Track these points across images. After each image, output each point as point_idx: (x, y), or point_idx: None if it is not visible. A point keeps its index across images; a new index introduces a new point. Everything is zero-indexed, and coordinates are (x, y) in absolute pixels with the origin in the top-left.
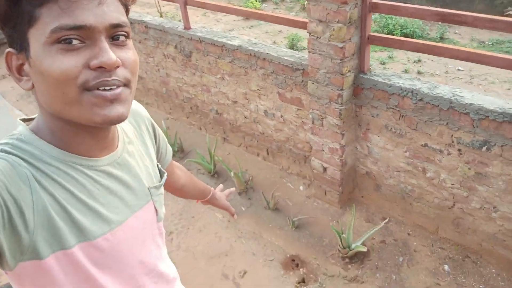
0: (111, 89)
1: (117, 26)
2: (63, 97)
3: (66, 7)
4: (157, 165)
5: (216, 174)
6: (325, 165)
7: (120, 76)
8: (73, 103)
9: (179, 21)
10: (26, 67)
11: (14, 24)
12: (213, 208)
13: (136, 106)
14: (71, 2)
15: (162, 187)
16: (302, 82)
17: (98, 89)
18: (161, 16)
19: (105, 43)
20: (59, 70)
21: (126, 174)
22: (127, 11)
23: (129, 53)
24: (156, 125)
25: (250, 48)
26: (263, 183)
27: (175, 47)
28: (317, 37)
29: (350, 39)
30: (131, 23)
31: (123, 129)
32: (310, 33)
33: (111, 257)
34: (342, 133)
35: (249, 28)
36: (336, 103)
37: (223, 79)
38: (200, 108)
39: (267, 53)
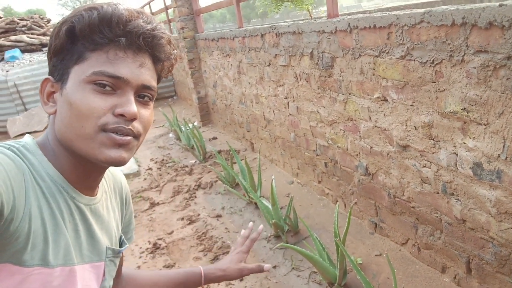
0: (123, 134)
1: (146, 87)
2: (80, 129)
3: (112, 59)
4: (121, 235)
5: None
6: None
7: (135, 127)
8: (86, 138)
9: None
10: (57, 95)
11: (63, 57)
12: None
13: (119, 174)
14: (118, 56)
15: (119, 259)
16: None
17: (112, 132)
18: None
19: (132, 97)
20: (87, 106)
21: (95, 223)
22: (158, 79)
23: (148, 112)
24: (130, 203)
25: (453, 9)
26: None
27: (311, 56)
28: None
29: None
30: (262, 35)
31: (106, 183)
32: None
33: None
34: None
35: None
36: None
37: (385, 100)
38: (339, 164)
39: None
